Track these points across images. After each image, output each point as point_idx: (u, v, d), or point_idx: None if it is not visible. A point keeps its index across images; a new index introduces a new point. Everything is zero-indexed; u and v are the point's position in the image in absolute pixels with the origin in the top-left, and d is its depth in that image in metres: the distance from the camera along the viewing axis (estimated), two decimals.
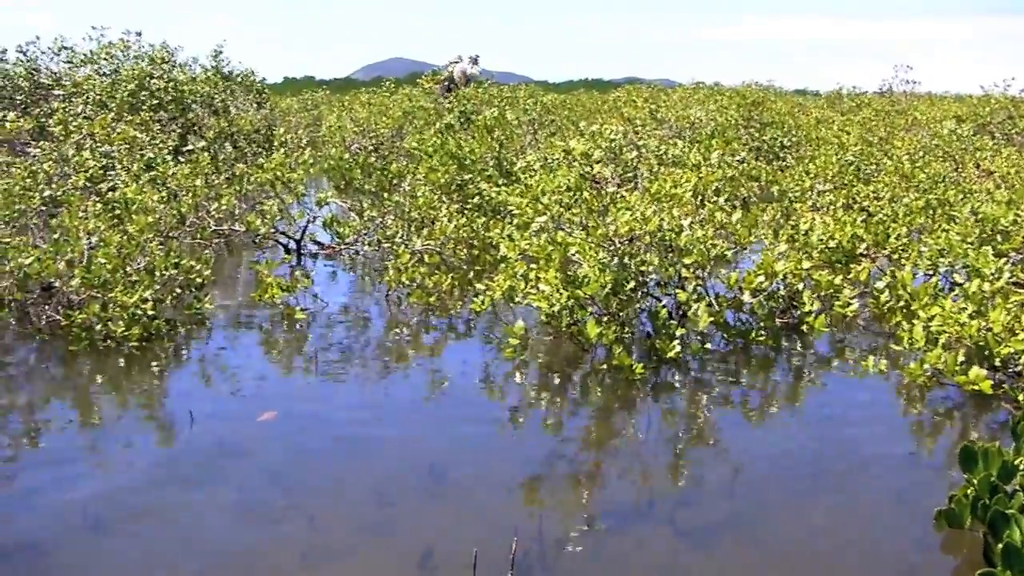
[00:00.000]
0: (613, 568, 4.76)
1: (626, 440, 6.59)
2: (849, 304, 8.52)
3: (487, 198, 12.72)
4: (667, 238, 8.31)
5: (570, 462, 6.17)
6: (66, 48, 19.32)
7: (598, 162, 11.34)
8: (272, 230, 12.29)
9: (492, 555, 4.72)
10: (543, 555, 4.82)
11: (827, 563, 4.90)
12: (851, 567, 4.88)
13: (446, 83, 25.24)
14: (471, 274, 10.35)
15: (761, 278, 8.20)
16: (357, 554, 4.88)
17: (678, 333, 7.77)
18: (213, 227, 12.55)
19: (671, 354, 7.60)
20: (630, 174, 12.57)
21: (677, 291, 8.20)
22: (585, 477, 5.93)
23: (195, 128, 18.28)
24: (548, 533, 5.04)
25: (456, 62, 25.42)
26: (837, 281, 8.64)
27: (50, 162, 12.42)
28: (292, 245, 12.60)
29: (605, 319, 8.00)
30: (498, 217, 12.06)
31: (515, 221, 9.97)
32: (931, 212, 11.25)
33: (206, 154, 13.71)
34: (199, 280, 9.39)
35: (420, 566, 4.74)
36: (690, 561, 4.86)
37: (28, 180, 11.10)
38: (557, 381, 7.68)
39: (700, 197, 9.47)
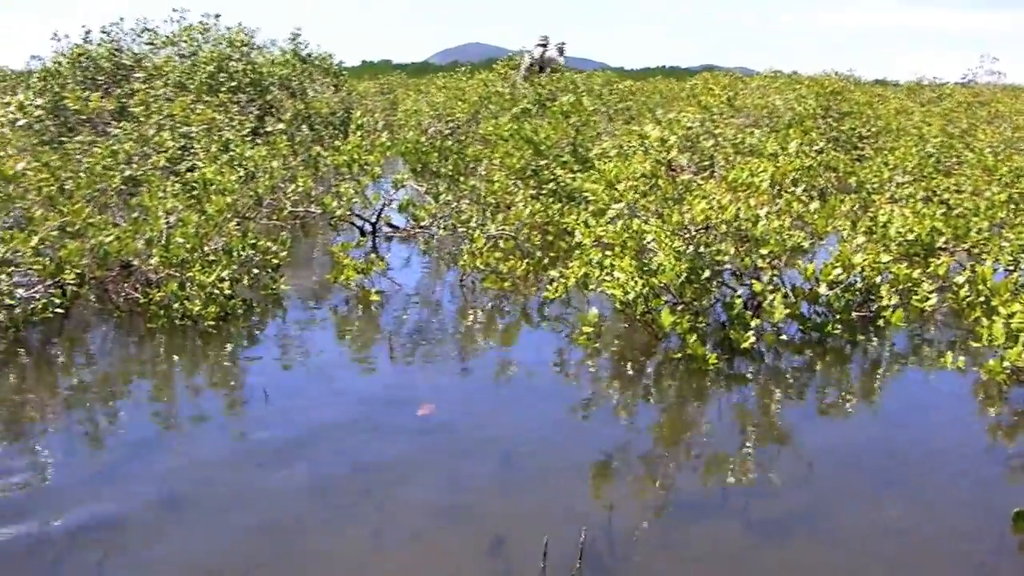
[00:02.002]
0: (682, 559, 4.75)
1: (698, 430, 6.57)
2: (927, 299, 8.41)
3: (563, 184, 12.70)
4: (743, 227, 8.25)
5: (641, 451, 6.16)
6: (148, 30, 19.53)
7: (675, 149, 11.29)
8: (348, 212, 12.36)
9: (562, 543, 4.71)
10: (612, 544, 4.81)
11: (900, 561, 4.83)
12: (924, 567, 4.81)
13: (531, 65, 25.16)
14: (545, 260, 10.33)
15: (838, 270, 8.12)
16: (427, 539, 4.90)
17: (753, 324, 7.71)
18: (289, 208, 12.66)
19: (745, 345, 7.55)
20: (706, 162, 12.51)
21: (752, 281, 8.14)
22: (656, 467, 5.91)
23: (273, 110, 18.40)
24: (618, 522, 5.04)
25: (543, 45, 25.34)
26: (915, 275, 8.53)
27: (131, 142, 12.57)
28: (368, 227, 12.66)
29: (679, 308, 7.97)
30: (573, 203, 12.03)
31: (590, 208, 9.96)
32: (1013, 206, 11.07)
33: (283, 136, 13.82)
34: (275, 261, 9.48)
35: (490, 552, 4.75)
36: (760, 554, 4.82)
37: (109, 160, 11.24)
38: (630, 370, 7.65)
39: (777, 187, 9.38)
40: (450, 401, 6.89)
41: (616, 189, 9.32)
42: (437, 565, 4.64)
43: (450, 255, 11.37)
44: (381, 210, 12.64)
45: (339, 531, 4.93)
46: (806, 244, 8.60)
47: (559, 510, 5.20)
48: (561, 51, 25.57)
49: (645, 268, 7.86)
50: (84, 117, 14.81)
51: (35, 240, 8.43)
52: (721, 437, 6.39)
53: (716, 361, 7.31)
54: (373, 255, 10.80)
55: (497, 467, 5.78)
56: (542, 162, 13.45)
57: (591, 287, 8.31)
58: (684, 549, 4.82)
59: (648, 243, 8.26)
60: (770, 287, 8.10)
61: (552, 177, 13.01)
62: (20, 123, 12.94)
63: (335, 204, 12.00)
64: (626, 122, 18.82)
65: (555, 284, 8.35)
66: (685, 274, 7.89)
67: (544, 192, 12.71)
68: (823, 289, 8.15)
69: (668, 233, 8.23)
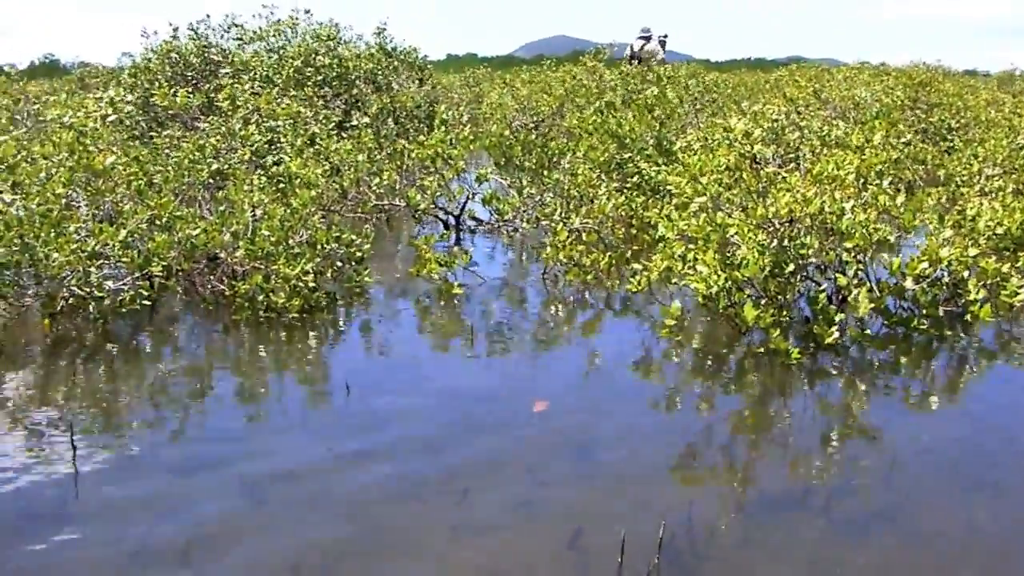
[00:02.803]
0: (763, 556, 4.71)
1: (780, 426, 6.52)
2: (1017, 293, 8.27)
3: (646, 177, 12.67)
4: (828, 221, 8.17)
5: (722, 446, 6.13)
6: (236, 26, 19.79)
7: (759, 142, 11.20)
8: (432, 206, 12.42)
9: (640, 537, 4.71)
10: (692, 540, 4.80)
11: (988, 564, 4.74)
12: (1014, 572, 4.74)
13: (631, 58, 25.08)
14: (629, 253, 10.32)
15: (925, 264, 8.00)
16: (507, 531, 4.91)
17: (837, 318, 7.64)
18: (374, 202, 12.75)
19: (829, 340, 7.47)
20: (791, 155, 12.39)
21: (837, 275, 8.06)
22: (737, 462, 5.88)
23: (358, 104, 18.52)
24: (697, 517, 5.02)
25: (645, 38, 25.23)
26: (1005, 269, 8.38)
27: (218, 136, 12.73)
28: (451, 221, 12.72)
29: (763, 302, 7.92)
30: (657, 196, 12.00)
31: (674, 201, 9.91)
32: None
33: (368, 130, 13.91)
34: (359, 254, 9.56)
35: (569, 545, 4.75)
36: (843, 553, 4.77)
37: (197, 153, 11.39)
38: (712, 363, 7.62)
39: (863, 179, 9.27)
40: (532, 394, 6.90)
41: (700, 182, 9.27)
42: (515, 558, 4.65)
43: (533, 248, 11.39)
44: (465, 203, 12.69)
45: (419, 523, 4.96)
46: (892, 238, 8.49)
47: (638, 504, 5.19)
48: (663, 44, 25.46)
49: (728, 262, 7.82)
50: (172, 112, 15.03)
51: (124, 233, 8.58)
52: (804, 433, 6.34)
53: (799, 356, 7.24)
54: (457, 248, 10.86)
55: (577, 460, 5.78)
56: (626, 155, 13.41)
57: (674, 281, 8.28)
58: (764, 546, 4.79)
59: (731, 236, 8.21)
60: (855, 281, 8.02)
61: (636, 170, 12.97)
62: (111, 118, 13.14)
63: (419, 197, 12.07)
64: (711, 115, 18.69)
65: (638, 277, 8.33)
66: (769, 268, 7.83)
67: (628, 185, 12.68)
68: (909, 283, 8.04)
69: (752, 226, 8.17)
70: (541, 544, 4.76)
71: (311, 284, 8.65)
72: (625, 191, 12.20)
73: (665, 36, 25.49)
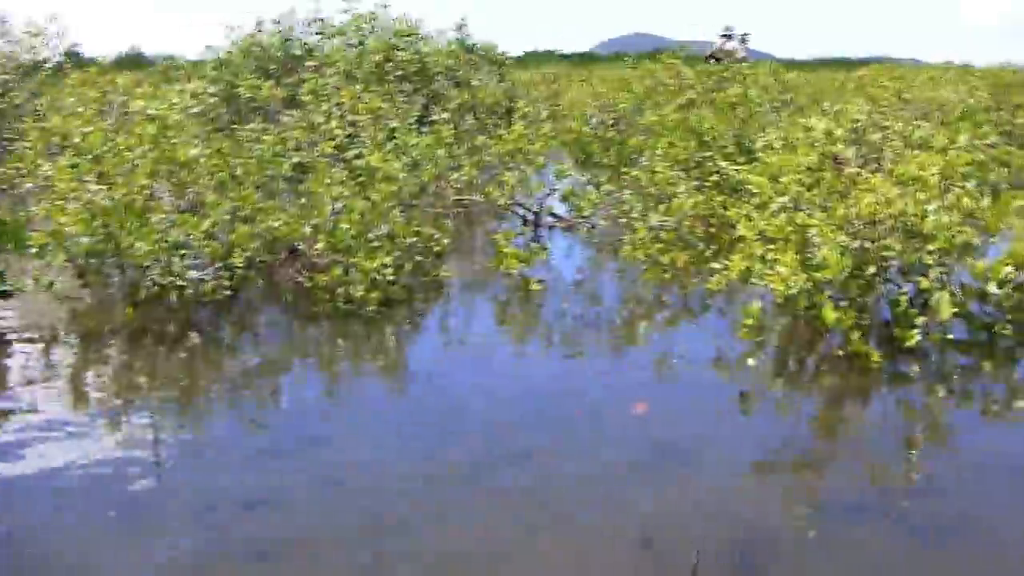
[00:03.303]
0: (839, 561, 4.65)
1: (858, 430, 6.46)
2: None
3: (726, 176, 12.58)
4: (910, 223, 8.07)
5: (799, 449, 6.08)
6: (318, 21, 19.94)
7: (841, 142, 11.09)
8: (511, 201, 12.44)
9: (716, 539, 4.69)
10: (767, 542, 4.76)
11: None
12: None
13: (710, 56, 24.96)
14: (707, 252, 10.26)
15: (1009, 268, 7.88)
16: (580, 528, 4.90)
17: (918, 322, 7.54)
18: (453, 197, 12.79)
19: (910, 343, 7.38)
20: (873, 155, 12.25)
21: (919, 278, 7.96)
22: (814, 465, 5.84)
23: (437, 99, 18.57)
24: (773, 520, 4.98)
25: (727, 36, 25.10)
26: None
27: (299, 130, 12.82)
28: (530, 217, 12.73)
29: (843, 304, 7.83)
30: (736, 196, 11.92)
31: (754, 200, 9.84)
32: None
33: (448, 125, 13.94)
34: (438, 248, 9.61)
35: (643, 545, 4.74)
36: (920, 560, 4.70)
37: (278, 147, 11.48)
38: (791, 365, 7.57)
39: (947, 181, 9.15)
40: (608, 391, 6.89)
41: (780, 182, 9.19)
42: (588, 556, 4.64)
43: (611, 245, 11.37)
44: (544, 200, 12.70)
45: (491, 517, 4.97)
46: (976, 241, 8.36)
47: (714, 505, 5.16)
48: (744, 42, 25.30)
49: (808, 263, 7.75)
50: (255, 105, 15.18)
51: (207, 224, 8.69)
52: (882, 437, 6.27)
53: (879, 359, 7.17)
54: (535, 244, 10.86)
55: (653, 459, 5.76)
56: (706, 154, 13.33)
57: (753, 281, 8.23)
58: (840, 551, 4.73)
59: (812, 237, 8.13)
60: (937, 285, 7.91)
61: (716, 169, 12.89)
62: (195, 110, 13.30)
63: (498, 193, 12.10)
64: (792, 114, 18.53)
65: (717, 277, 8.28)
66: (849, 269, 7.75)
67: (707, 184, 12.61)
68: (993, 288, 7.92)
69: (833, 227, 8.09)
70: (615, 543, 4.74)
71: (390, 277, 8.69)
72: (704, 190, 12.13)
73: (746, 35, 25.31)
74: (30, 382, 7.09)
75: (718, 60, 24.24)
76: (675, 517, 4.99)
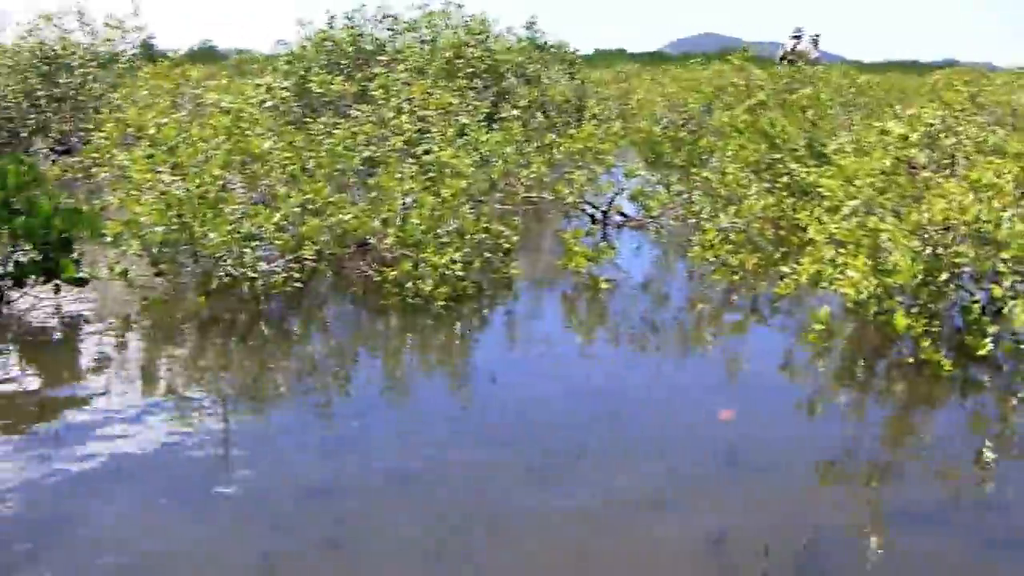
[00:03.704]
0: (906, 570, 4.62)
1: (927, 438, 6.41)
2: None
3: (797, 178, 12.50)
4: (984, 230, 7.98)
5: (867, 456, 6.03)
6: (389, 16, 20.06)
7: (914, 146, 10.98)
8: (580, 199, 12.45)
9: (783, 543, 4.66)
10: (835, 549, 4.72)
11: None
12: None
13: (782, 57, 24.83)
14: (777, 255, 10.18)
15: None
16: (648, 529, 4.89)
17: (991, 330, 7.46)
18: (522, 194, 12.83)
19: (982, 352, 7.30)
20: (946, 160, 12.13)
21: (992, 286, 7.87)
22: (882, 473, 5.78)
23: (508, 96, 18.61)
24: (840, 527, 4.93)
25: (797, 37, 24.97)
26: None
27: (370, 124, 12.89)
28: (599, 215, 12.74)
29: (914, 310, 7.76)
30: (807, 198, 11.83)
31: (825, 203, 9.77)
32: None
33: (518, 122, 13.97)
34: (507, 245, 9.62)
35: (711, 548, 4.72)
36: (987, 572, 4.67)
37: (349, 141, 11.55)
38: (859, 371, 7.51)
39: (1021, 189, 9.04)
40: (675, 392, 6.88)
41: (853, 185, 9.12)
42: (656, 556, 4.64)
43: (680, 246, 11.34)
44: (613, 199, 12.70)
45: (558, 516, 4.97)
46: None
47: (781, 510, 5.13)
48: (815, 43, 25.14)
49: (880, 268, 7.69)
50: (327, 99, 15.29)
51: (278, 216, 8.78)
52: (952, 446, 6.21)
53: (950, 367, 7.10)
54: (603, 243, 10.87)
55: (719, 461, 5.73)
56: (776, 156, 13.25)
57: (823, 285, 8.17)
58: (909, 560, 4.69)
59: (884, 242, 8.06)
60: (1011, 293, 7.82)
61: (786, 171, 12.81)
62: (267, 104, 13.42)
63: (567, 191, 12.12)
64: (863, 117, 18.37)
65: (786, 280, 8.23)
66: (921, 276, 7.68)
67: (778, 186, 12.53)
68: None
69: (905, 232, 8.02)
70: (682, 545, 4.73)
71: (459, 273, 8.73)
72: (775, 192, 12.05)
73: (817, 36, 25.13)
74: (103, 368, 7.22)
75: (791, 62, 24.07)
76: (741, 522, 4.96)
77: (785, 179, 12.60)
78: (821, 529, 4.85)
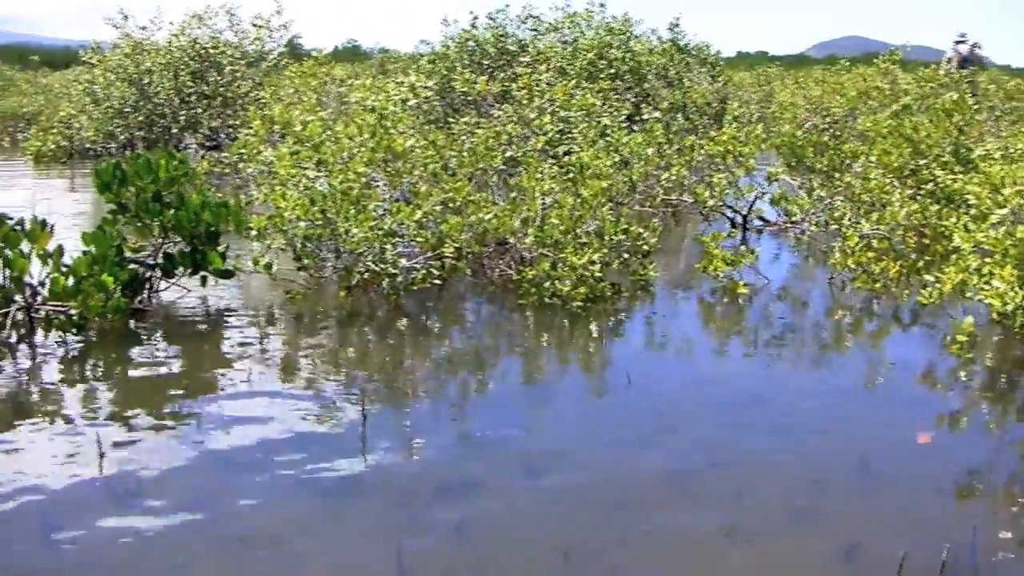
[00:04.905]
0: None
1: None
2: None
3: (942, 185, 12.27)
4: None
5: (1011, 471, 5.88)
6: (532, 17, 20.19)
7: None
8: (720, 203, 12.39)
9: (920, 557, 4.57)
10: (974, 565, 4.62)
11: None
12: None
13: (950, 60, 24.43)
14: (920, 263, 10.00)
15: None
16: (781, 537, 4.85)
17: None
18: (662, 196, 12.80)
19: None
20: None
21: None
22: (1022, 489, 5.65)
23: (649, 98, 18.59)
24: (981, 543, 4.82)
25: (961, 41, 24.56)
26: None
27: (512, 124, 12.98)
28: (738, 219, 12.66)
29: None
30: (953, 206, 11.61)
31: (971, 211, 9.58)
32: None
33: (659, 124, 13.95)
34: (645, 247, 9.61)
35: (845, 559, 4.66)
36: None
37: (491, 140, 11.64)
38: (1004, 384, 7.34)
39: None
40: (813, 400, 6.79)
41: (1000, 193, 8.93)
42: (789, 565, 4.60)
43: (821, 252, 11.22)
44: (753, 203, 12.61)
45: (693, 521, 4.95)
46: None
47: (918, 523, 5.03)
48: (977, 46, 24.70)
49: None
50: (469, 99, 15.43)
51: (419, 214, 8.90)
52: None
53: None
54: (743, 247, 10.78)
55: (855, 472, 5.65)
56: (921, 161, 13.03)
57: (968, 295, 8.01)
58: None
59: None
60: None
61: (931, 177, 12.59)
62: (410, 103, 13.59)
63: (707, 194, 12.06)
64: (1013, 123, 17.97)
65: (930, 289, 8.09)
66: None
67: (922, 192, 12.31)
68: None
69: None
70: (817, 555, 4.68)
71: (597, 274, 8.74)
72: (919, 198, 11.85)
73: (976, 43, 24.62)
74: (245, 357, 7.40)
75: (962, 66, 23.62)
76: (877, 534, 4.89)
77: (930, 186, 12.38)
78: (959, 545, 4.75)
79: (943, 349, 7.83)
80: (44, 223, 7.79)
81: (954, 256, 8.37)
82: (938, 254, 10.26)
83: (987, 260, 7.94)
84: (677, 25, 21.44)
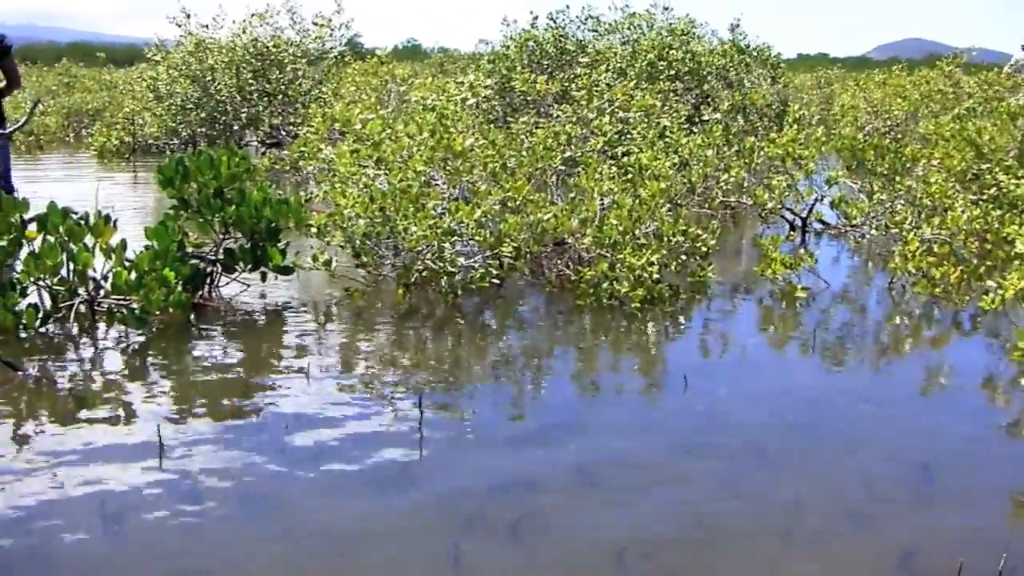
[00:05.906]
0: None
1: None
2: None
3: (1005, 190, 12.15)
4: None
5: None
6: (592, 17, 20.22)
7: None
8: (779, 206, 12.34)
9: (977, 567, 4.53)
10: None
11: None
12: None
13: (1021, 67, 24.19)
14: (982, 269, 9.90)
15: None
16: (837, 543, 4.81)
17: None
18: (721, 198, 12.76)
19: None
20: None
21: None
22: None
23: (709, 99, 18.55)
24: None
25: None
26: None
27: (571, 125, 12.99)
28: (798, 222, 12.60)
29: None
30: (1016, 211, 11.49)
31: None
32: None
33: (719, 125, 13.90)
34: (704, 249, 9.58)
35: (900, 566, 4.63)
36: None
37: (551, 140, 11.66)
38: None
39: None
40: (872, 406, 6.75)
41: None
42: (844, 571, 4.58)
43: (881, 256, 11.14)
44: (813, 205, 12.54)
45: (748, 526, 4.93)
46: None
47: (977, 531, 4.98)
48: None
49: None
50: (529, 99, 15.46)
51: (478, 213, 8.91)
52: None
53: None
54: (802, 250, 10.72)
55: (913, 478, 5.61)
56: (984, 166, 12.90)
57: None
58: None
59: None
60: None
61: (994, 182, 12.46)
62: (470, 102, 13.64)
63: (767, 196, 12.01)
64: None
65: (991, 295, 8.01)
66: None
67: (984, 197, 12.20)
68: None
69: None
70: (872, 562, 4.65)
71: (655, 275, 8.73)
72: (981, 203, 11.73)
73: None
74: (304, 353, 7.46)
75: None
76: (934, 540, 4.86)
77: (993, 190, 12.26)
78: (1016, 555, 4.70)
79: (1004, 356, 7.76)
80: (108, 218, 7.88)
81: (1016, 262, 8.29)
82: (1000, 259, 10.15)
83: None
84: (738, 26, 21.41)
